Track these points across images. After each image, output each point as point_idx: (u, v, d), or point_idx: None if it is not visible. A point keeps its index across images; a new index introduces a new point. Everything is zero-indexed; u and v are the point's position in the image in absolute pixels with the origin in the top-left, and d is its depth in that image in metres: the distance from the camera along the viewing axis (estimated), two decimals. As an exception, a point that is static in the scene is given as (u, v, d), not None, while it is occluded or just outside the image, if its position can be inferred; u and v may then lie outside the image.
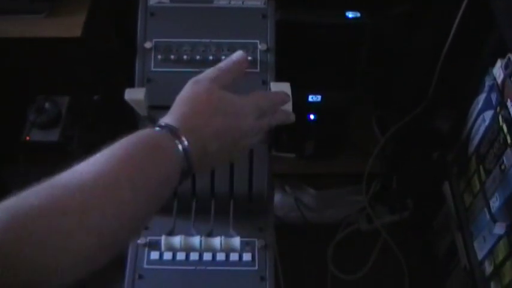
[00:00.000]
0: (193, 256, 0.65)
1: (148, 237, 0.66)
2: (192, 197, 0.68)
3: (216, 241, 0.63)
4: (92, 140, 0.94)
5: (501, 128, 0.76)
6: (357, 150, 1.14)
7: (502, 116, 0.76)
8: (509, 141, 0.73)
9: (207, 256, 0.65)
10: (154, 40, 0.70)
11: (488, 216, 0.80)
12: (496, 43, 0.81)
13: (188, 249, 0.64)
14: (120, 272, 0.64)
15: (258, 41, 0.70)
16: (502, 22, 0.75)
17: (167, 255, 0.65)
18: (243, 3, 0.72)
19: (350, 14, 0.86)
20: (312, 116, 1.02)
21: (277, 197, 1.18)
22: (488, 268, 0.81)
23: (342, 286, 1.10)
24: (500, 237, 0.77)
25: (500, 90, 0.77)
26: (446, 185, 0.98)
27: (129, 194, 0.45)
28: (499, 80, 0.77)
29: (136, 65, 0.69)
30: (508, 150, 0.74)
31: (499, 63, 0.78)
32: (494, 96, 0.79)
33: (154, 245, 0.65)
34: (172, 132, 0.50)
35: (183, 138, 0.50)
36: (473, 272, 0.85)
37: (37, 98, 0.89)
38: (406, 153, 1.15)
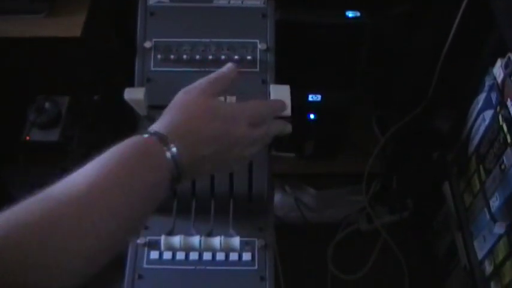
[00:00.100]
0: (193, 256, 0.65)
1: (148, 237, 0.66)
2: (191, 197, 0.68)
3: (216, 241, 0.62)
4: (92, 140, 0.94)
5: (501, 128, 0.76)
6: (357, 150, 1.14)
7: (502, 116, 0.76)
8: (509, 140, 0.73)
9: (207, 256, 0.65)
10: (154, 40, 0.70)
11: (488, 216, 0.80)
12: (496, 43, 0.81)
13: (188, 249, 0.64)
14: (119, 271, 0.64)
15: (257, 41, 0.70)
16: (502, 22, 0.75)
17: (167, 255, 0.65)
18: (242, 2, 0.72)
19: (350, 14, 0.86)
20: (311, 116, 1.02)
21: (277, 197, 1.18)
22: (488, 268, 0.81)
23: (342, 286, 1.10)
24: (500, 237, 0.77)
25: (500, 89, 0.77)
26: (446, 185, 0.98)
27: (123, 197, 0.46)
28: (499, 80, 0.77)
29: (136, 64, 0.69)
30: (508, 149, 0.74)
31: (499, 63, 0.78)
32: (494, 96, 0.79)
33: (154, 245, 0.65)
34: (161, 139, 0.50)
35: (172, 145, 0.50)
36: (473, 272, 0.85)
37: (37, 98, 0.89)
38: (406, 153, 1.15)
